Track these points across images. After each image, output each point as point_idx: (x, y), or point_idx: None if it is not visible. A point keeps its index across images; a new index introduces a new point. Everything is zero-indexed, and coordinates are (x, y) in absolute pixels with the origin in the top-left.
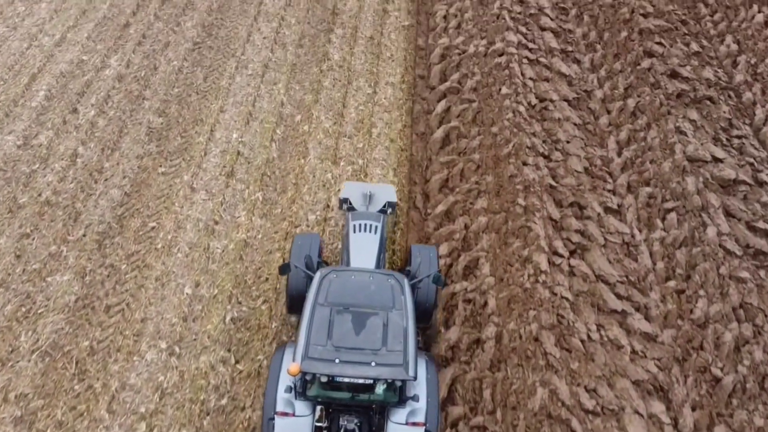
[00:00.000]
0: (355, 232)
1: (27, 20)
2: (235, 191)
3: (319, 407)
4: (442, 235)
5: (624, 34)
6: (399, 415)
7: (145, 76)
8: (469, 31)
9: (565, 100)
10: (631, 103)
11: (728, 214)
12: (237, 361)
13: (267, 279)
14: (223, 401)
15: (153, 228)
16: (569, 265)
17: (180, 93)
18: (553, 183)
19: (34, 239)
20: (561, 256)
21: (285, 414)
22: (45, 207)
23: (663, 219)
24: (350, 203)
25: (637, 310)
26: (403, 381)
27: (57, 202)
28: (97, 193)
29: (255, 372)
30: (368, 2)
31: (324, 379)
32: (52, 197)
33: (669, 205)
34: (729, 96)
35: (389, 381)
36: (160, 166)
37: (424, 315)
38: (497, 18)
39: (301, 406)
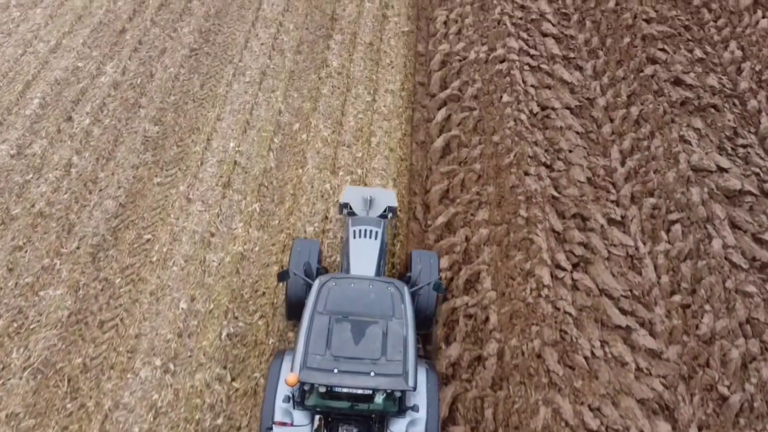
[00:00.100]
0: (355, 237)
1: (22, 26)
2: (232, 202)
3: (317, 417)
4: (442, 248)
5: (627, 40)
6: (399, 425)
7: (141, 83)
8: (470, 37)
9: (568, 108)
10: (634, 111)
11: (734, 226)
12: (233, 379)
13: (264, 293)
14: (219, 420)
15: (148, 240)
16: (572, 279)
17: (176, 101)
18: (556, 194)
19: (26, 252)
20: (564, 269)
21: (283, 424)
22: (38, 218)
23: (667, 231)
24: (350, 208)
25: (642, 325)
26: (403, 391)
27: (50, 213)
28: (92, 204)
29: (251, 390)
30: (367, 7)
31: (323, 389)
32: (46, 208)
33: (673, 216)
34: (734, 104)
35: (389, 391)
36: (156, 176)
37: (424, 322)
38: (498, 23)
39: (300, 416)
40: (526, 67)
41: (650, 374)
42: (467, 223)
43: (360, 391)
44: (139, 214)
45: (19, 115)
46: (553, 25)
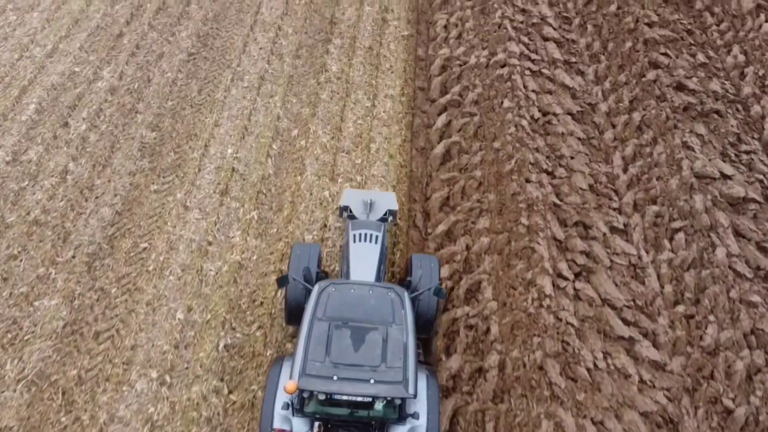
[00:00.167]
0: (355, 241)
1: (18, 30)
2: (230, 210)
3: (317, 423)
4: (443, 257)
5: (629, 44)
6: None
7: (138, 88)
8: (470, 41)
9: (569, 114)
10: (636, 116)
11: (738, 234)
12: (230, 392)
13: (262, 303)
14: None
15: (144, 249)
16: (574, 289)
17: (174, 106)
18: (557, 201)
19: (21, 261)
20: (566, 278)
21: (282, 431)
22: (33, 227)
23: (671, 239)
24: (350, 211)
25: (645, 336)
26: (404, 399)
27: (46, 221)
28: (88, 211)
29: (249, 403)
30: (367, 11)
31: (322, 397)
32: (41, 216)
33: (677, 224)
34: (737, 109)
35: (389, 399)
36: (153, 183)
37: (425, 326)
38: (499, 27)
39: (299, 423)
40: (527, 72)
41: (654, 387)
42: (468, 231)
43: (360, 399)
44: (135, 222)
45: (15, 120)
46: (554, 29)
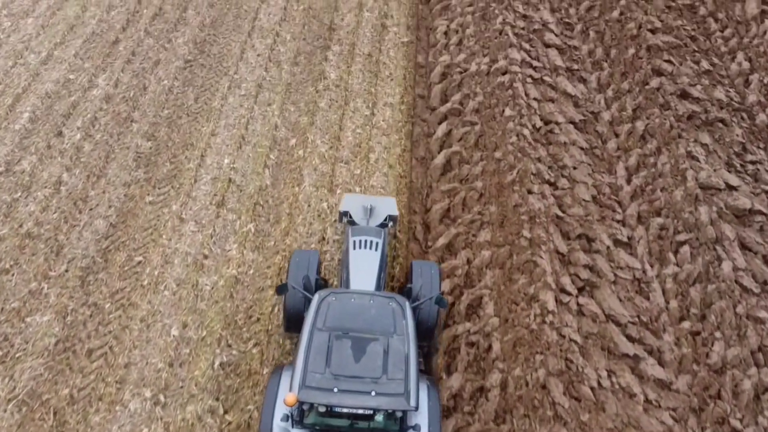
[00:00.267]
0: (355, 248)
1: (13, 36)
2: (226, 222)
3: None
4: (444, 271)
5: (631, 51)
6: None
7: (133, 96)
8: (471, 48)
9: (571, 123)
10: (639, 125)
11: (744, 247)
12: (226, 411)
13: (258, 319)
14: None
15: (139, 263)
16: (577, 304)
17: (170, 115)
18: (560, 213)
19: (13, 275)
20: (569, 293)
21: None
22: (26, 239)
23: (676, 253)
24: (350, 216)
25: (650, 353)
26: (405, 411)
27: (39, 234)
28: (81, 224)
29: (245, 424)
30: (366, 17)
31: (322, 409)
32: (34, 229)
33: (682, 237)
34: (742, 118)
35: (390, 411)
36: (148, 194)
37: (425, 333)
38: (500, 34)
39: None
40: (529, 80)
41: (659, 406)
42: (469, 244)
43: (360, 411)
44: (130, 234)
45: (9, 129)
46: (556, 35)
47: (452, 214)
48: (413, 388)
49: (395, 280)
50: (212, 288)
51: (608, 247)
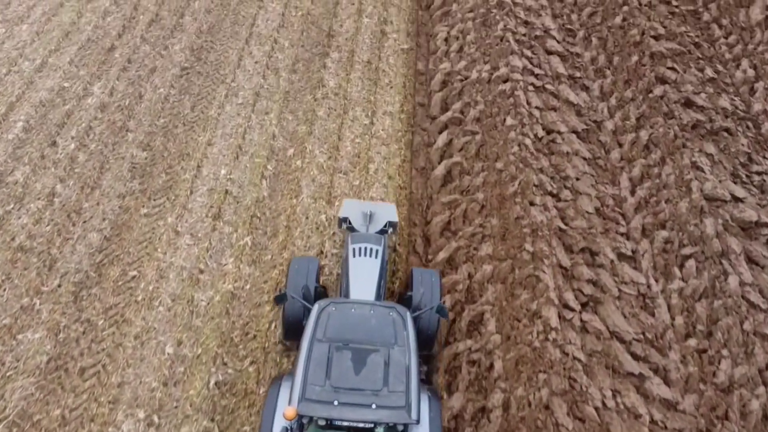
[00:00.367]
0: (354, 256)
1: (7, 43)
2: (223, 235)
3: None
4: (444, 286)
5: (635, 58)
6: None
7: (129, 105)
8: (472, 55)
9: (574, 132)
10: (643, 135)
11: (750, 261)
12: None
13: (255, 336)
14: None
15: (133, 277)
16: (581, 320)
17: (166, 124)
18: (563, 226)
19: (5, 290)
20: (572, 309)
21: None
22: (18, 253)
23: (681, 267)
24: (350, 222)
25: (656, 372)
26: (406, 424)
27: (31, 247)
28: (75, 237)
29: None
30: (366, 23)
31: (322, 422)
32: (26, 242)
33: (687, 251)
34: (747, 127)
35: (391, 424)
36: (143, 206)
37: (426, 342)
38: (501, 40)
39: None
40: (531, 88)
41: (666, 428)
42: (470, 258)
43: (361, 424)
44: (124, 248)
45: (2, 139)
46: (558, 42)
47: (453, 226)
48: (414, 400)
49: (395, 289)
50: (208, 304)
51: (612, 261)
